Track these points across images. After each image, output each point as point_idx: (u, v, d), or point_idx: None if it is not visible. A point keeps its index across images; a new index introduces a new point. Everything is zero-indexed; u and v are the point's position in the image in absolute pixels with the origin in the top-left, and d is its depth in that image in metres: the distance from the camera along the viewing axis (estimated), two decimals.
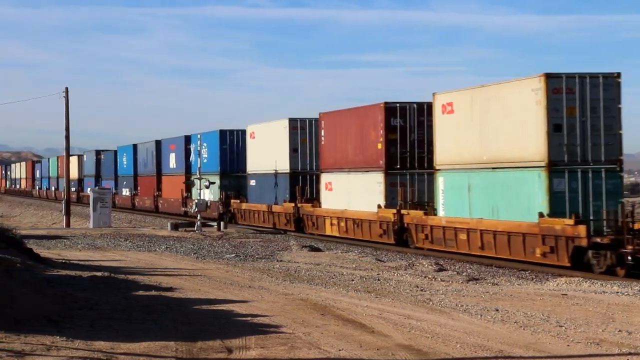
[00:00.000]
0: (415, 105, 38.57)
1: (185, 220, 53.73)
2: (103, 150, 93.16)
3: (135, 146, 78.50)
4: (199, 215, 46.50)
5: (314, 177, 46.45)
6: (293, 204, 46.15)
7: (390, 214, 36.82)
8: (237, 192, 55.14)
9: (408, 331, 14.37)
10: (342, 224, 41.05)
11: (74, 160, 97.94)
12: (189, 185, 54.31)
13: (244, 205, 53.26)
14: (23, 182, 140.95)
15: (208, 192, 53.74)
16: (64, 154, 58.38)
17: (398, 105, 38.54)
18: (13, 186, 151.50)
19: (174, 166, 66.23)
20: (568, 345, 13.48)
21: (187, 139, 63.34)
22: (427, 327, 14.74)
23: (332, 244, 38.79)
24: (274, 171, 49.09)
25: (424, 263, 28.23)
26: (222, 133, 57.38)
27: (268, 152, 49.99)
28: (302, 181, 47.05)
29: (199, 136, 54.65)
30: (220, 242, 37.97)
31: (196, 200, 47.77)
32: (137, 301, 17.43)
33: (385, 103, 38.38)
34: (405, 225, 36.04)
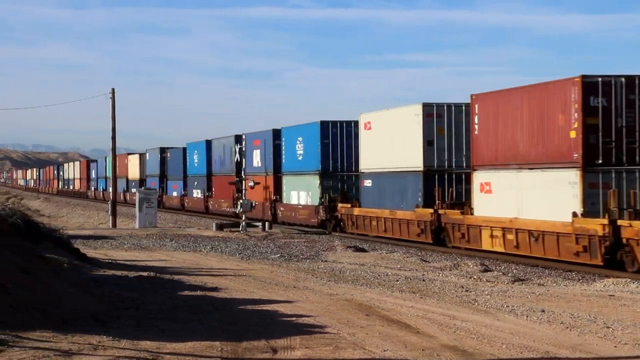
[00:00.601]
0: (622, 80, 28.67)
1: (230, 220, 53.87)
2: (169, 148, 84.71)
3: (208, 142, 68.88)
4: (243, 216, 46.65)
5: (458, 176, 37.83)
6: (431, 210, 36.80)
7: (595, 225, 27.29)
8: (343, 194, 47.10)
9: (453, 332, 14.31)
10: (510, 236, 31.52)
11: (134, 159, 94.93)
12: (235, 185, 51.03)
13: (357, 211, 44.23)
14: (77, 183, 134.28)
15: (304, 195, 49.41)
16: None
17: (600, 79, 28.56)
18: (66, 187, 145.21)
19: (258, 164, 57.65)
20: (615, 347, 13.35)
21: (276, 133, 54.82)
22: (472, 328, 14.66)
23: (376, 244, 38.70)
24: (399, 169, 40.09)
25: (469, 263, 28.08)
26: (324, 125, 48.56)
27: (390, 146, 40.97)
28: (440, 181, 37.86)
29: (292, 130, 50.92)
30: (264, 242, 38.05)
31: (241, 201, 47.84)
32: (183, 301, 17.52)
33: (583, 76, 28.43)
34: (625, 241, 26.68)
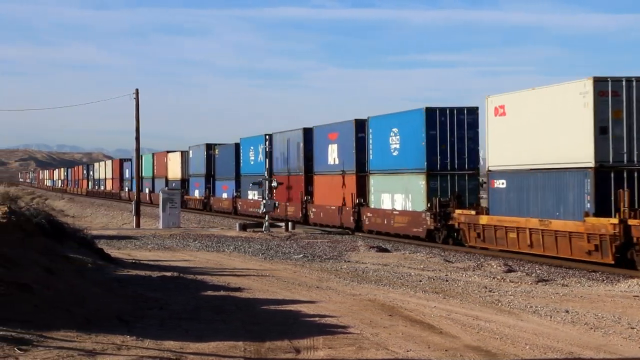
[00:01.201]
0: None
1: (253, 220, 53.83)
2: (217, 145, 74.58)
3: (269, 137, 58.72)
4: (266, 216, 46.70)
5: None
6: (612, 220, 27.53)
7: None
8: (458, 198, 37.94)
9: (476, 332, 14.27)
10: None
11: (175, 158, 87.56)
12: (259, 184, 47.74)
13: (484, 219, 34.63)
14: (108, 183, 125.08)
15: (401, 198, 41.49)
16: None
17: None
18: (96, 187, 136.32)
19: (335, 162, 48.94)
20: None
21: (360, 125, 46.15)
22: (495, 328, 14.63)
23: (399, 245, 38.64)
24: (553, 165, 30.76)
25: (493, 264, 28.00)
26: (430, 113, 39.30)
27: (536, 136, 31.65)
28: (617, 180, 28.48)
29: (383, 120, 43.40)
30: (288, 242, 38.08)
31: (264, 201, 47.80)
32: (206, 301, 17.56)
33: None
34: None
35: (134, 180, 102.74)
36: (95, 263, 22.92)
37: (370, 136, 44.76)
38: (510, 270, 26.53)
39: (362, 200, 45.41)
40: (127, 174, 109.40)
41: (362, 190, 45.48)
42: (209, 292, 19.15)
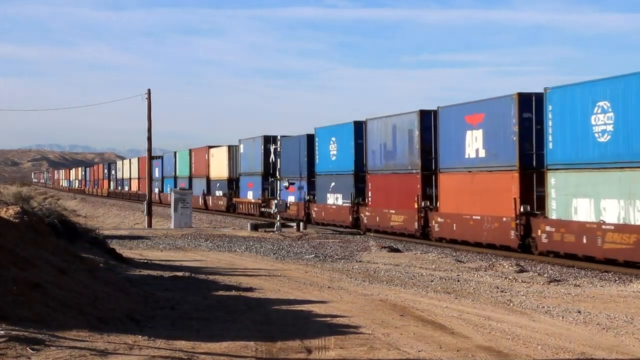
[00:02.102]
0: None
1: (265, 221, 53.74)
2: (282, 137, 59.12)
3: (360, 125, 47.22)
4: (278, 216, 46.72)
5: None
6: None
7: None
8: None
9: (488, 332, 14.25)
10: None
11: (220, 154, 74.95)
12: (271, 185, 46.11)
13: None
14: (134, 184, 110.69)
15: (618, 206, 27.33)
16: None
17: None
18: (119, 188, 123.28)
19: (478, 154, 35.67)
20: None
21: (524, 101, 33.07)
22: (507, 329, 14.61)
23: (411, 245, 38.59)
24: None
25: (505, 264, 27.95)
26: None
27: None
28: None
29: (580, 88, 29.67)
30: (299, 242, 38.07)
31: (275, 202, 47.73)
32: (218, 301, 17.58)
33: None
34: None
35: (166, 180, 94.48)
36: (107, 263, 22.97)
37: (550, 115, 31.04)
38: (522, 271, 26.48)
39: (530, 208, 32.08)
40: (156, 173, 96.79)
41: (527, 192, 32.31)
42: (221, 292, 19.17)
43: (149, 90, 56.82)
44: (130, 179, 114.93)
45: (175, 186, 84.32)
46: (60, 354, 11.30)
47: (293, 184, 50.62)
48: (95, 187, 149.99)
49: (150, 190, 59.28)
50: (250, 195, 65.85)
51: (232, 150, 71.78)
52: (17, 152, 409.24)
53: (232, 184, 70.85)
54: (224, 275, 23.07)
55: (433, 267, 27.31)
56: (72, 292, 14.93)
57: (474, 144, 35.76)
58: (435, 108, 39.19)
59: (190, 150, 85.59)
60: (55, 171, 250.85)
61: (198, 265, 26.42)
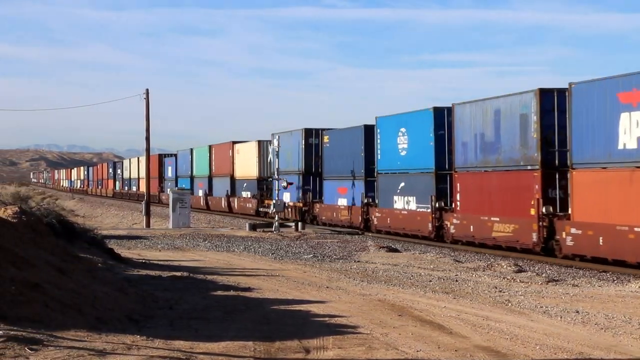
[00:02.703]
0: None
1: (263, 220, 53.67)
2: (326, 130, 53.02)
3: (442, 112, 39.14)
4: (276, 216, 46.71)
5: None
6: None
7: None
8: None
9: (486, 332, 14.26)
10: None
11: (247, 151, 66.82)
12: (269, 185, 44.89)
13: None
14: (142, 184, 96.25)
15: None
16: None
17: None
18: (126, 188, 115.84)
19: (636, 144, 26.67)
20: None
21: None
22: (505, 329, 14.61)
23: (409, 245, 38.59)
24: None
25: (503, 264, 27.97)
26: None
27: None
28: None
29: None
30: (297, 242, 38.06)
31: (274, 201, 47.72)
32: (216, 301, 17.58)
33: None
34: None
35: (180, 180, 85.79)
36: (106, 263, 22.98)
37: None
38: (520, 271, 26.50)
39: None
40: (169, 172, 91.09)
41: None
42: (219, 292, 19.17)
43: (147, 90, 56.78)
44: (138, 178, 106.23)
45: (194, 188, 79.89)
46: (59, 354, 11.30)
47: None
48: (99, 187, 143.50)
49: (149, 190, 59.28)
50: (286, 197, 55.21)
51: (264, 147, 62.53)
52: (15, 152, 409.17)
53: (263, 183, 62.41)
54: (222, 275, 23.07)
55: (431, 267, 27.32)
56: (71, 292, 14.93)
57: (635, 130, 26.70)
58: (567, 85, 30.16)
59: (209, 146, 77.54)
60: (56, 171, 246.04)
61: (196, 265, 26.41)
